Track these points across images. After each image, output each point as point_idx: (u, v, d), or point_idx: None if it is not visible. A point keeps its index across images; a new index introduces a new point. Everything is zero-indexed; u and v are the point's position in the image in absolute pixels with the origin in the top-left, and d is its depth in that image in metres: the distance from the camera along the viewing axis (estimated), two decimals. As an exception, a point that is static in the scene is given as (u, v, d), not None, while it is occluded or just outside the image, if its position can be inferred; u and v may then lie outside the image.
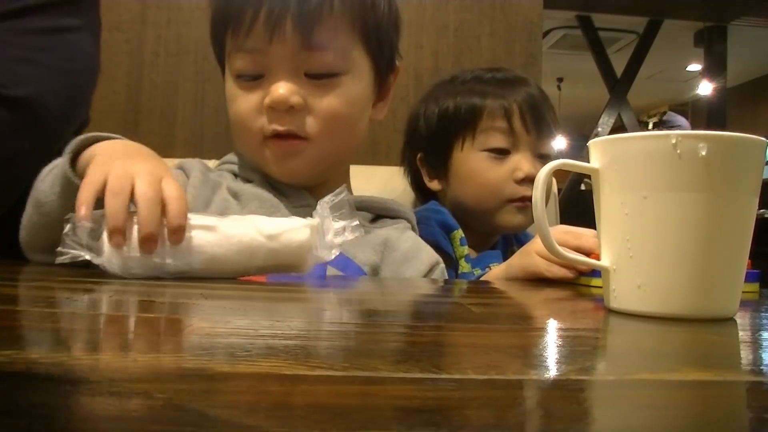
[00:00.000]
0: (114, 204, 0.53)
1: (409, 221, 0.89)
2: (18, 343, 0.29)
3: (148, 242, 0.53)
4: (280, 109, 0.75)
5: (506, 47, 1.47)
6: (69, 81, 0.86)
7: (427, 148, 1.11)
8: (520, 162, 1.04)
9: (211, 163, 0.90)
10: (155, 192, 0.54)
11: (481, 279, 0.86)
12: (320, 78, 0.77)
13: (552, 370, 0.27)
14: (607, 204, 0.49)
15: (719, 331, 0.42)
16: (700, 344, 0.37)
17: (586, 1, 5.34)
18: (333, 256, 0.59)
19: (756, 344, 0.38)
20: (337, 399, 0.22)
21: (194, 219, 0.57)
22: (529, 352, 0.33)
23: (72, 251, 0.53)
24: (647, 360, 0.32)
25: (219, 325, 0.36)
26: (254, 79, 0.77)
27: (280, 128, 0.76)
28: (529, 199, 1.02)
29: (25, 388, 0.21)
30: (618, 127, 5.88)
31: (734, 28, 5.79)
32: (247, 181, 0.83)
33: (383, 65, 0.84)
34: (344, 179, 0.85)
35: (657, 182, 0.45)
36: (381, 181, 1.20)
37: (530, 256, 0.78)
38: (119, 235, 0.53)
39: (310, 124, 0.76)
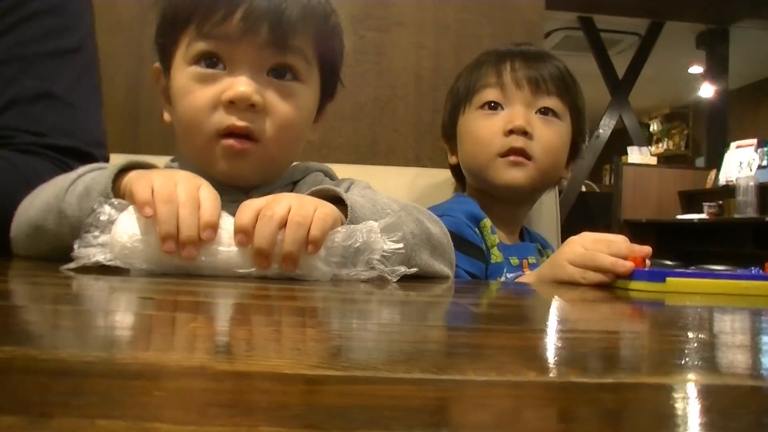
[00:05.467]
0: (164, 211, 0.57)
1: (320, 171, 0.89)
2: (18, 339, 0.29)
3: (187, 245, 0.57)
4: (240, 106, 0.74)
5: (507, 48, 1.47)
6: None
7: (444, 125, 1.15)
8: (512, 114, 1.04)
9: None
10: (193, 197, 0.59)
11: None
12: (283, 78, 0.77)
13: (552, 372, 0.27)
14: None
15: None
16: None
17: (587, 2, 5.35)
18: (367, 276, 0.60)
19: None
20: (337, 399, 0.22)
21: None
22: (532, 354, 0.33)
23: (84, 257, 0.56)
24: (652, 362, 0.32)
25: (220, 324, 0.36)
26: (213, 67, 0.76)
27: (239, 123, 0.74)
28: (519, 152, 1.03)
29: (24, 384, 0.21)
30: (619, 129, 5.89)
31: (736, 31, 5.79)
32: None
33: (328, 90, 0.86)
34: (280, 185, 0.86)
35: None
36: (381, 180, 1.20)
37: (562, 267, 0.78)
38: (172, 241, 0.56)
39: (265, 126, 0.76)
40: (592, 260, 0.74)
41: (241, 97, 0.74)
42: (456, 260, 0.95)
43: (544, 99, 1.05)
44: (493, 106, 1.05)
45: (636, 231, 5.08)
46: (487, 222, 1.04)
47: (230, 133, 0.75)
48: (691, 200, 5.37)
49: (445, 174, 1.23)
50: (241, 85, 0.74)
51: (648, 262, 0.73)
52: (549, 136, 1.05)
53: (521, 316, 0.53)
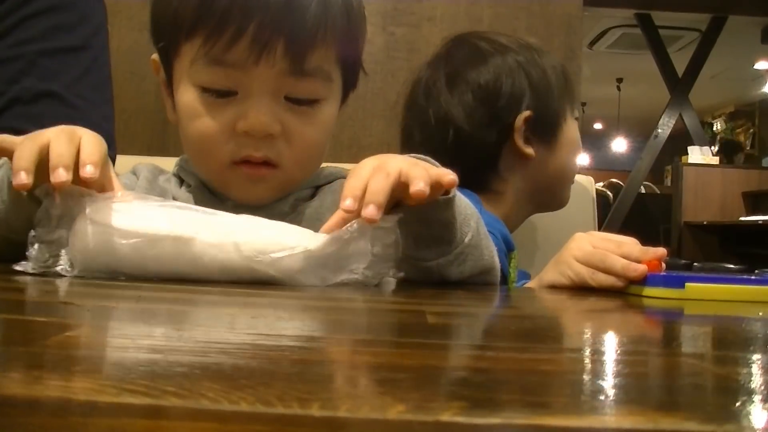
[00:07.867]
0: (30, 147, 0.53)
1: (344, 178, 0.83)
2: None
3: (59, 177, 0.52)
4: (257, 136, 0.69)
5: (544, 41, 1.37)
6: None
7: (541, 108, 0.98)
8: None
9: None
10: (70, 140, 0.55)
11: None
12: (301, 104, 0.71)
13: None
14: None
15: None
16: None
17: (645, -1, 5.21)
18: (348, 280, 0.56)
19: None
20: None
21: (172, 227, 0.54)
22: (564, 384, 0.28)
23: (38, 258, 0.54)
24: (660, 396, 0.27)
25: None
26: (222, 96, 0.69)
27: (255, 154, 0.69)
28: None
29: None
30: (683, 129, 5.70)
31: (804, 24, 5.55)
32: (183, 182, 0.79)
33: (350, 85, 0.79)
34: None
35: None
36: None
37: (569, 265, 0.70)
38: (63, 171, 0.52)
39: (285, 152, 0.70)
40: (602, 261, 0.67)
41: (258, 128, 0.68)
42: None
43: None
44: None
45: (697, 233, 4.91)
46: (516, 255, 0.95)
47: (246, 160, 0.70)
48: (756, 201, 5.15)
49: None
50: (256, 114, 0.67)
51: (663, 265, 0.66)
52: None
53: (535, 332, 0.48)
